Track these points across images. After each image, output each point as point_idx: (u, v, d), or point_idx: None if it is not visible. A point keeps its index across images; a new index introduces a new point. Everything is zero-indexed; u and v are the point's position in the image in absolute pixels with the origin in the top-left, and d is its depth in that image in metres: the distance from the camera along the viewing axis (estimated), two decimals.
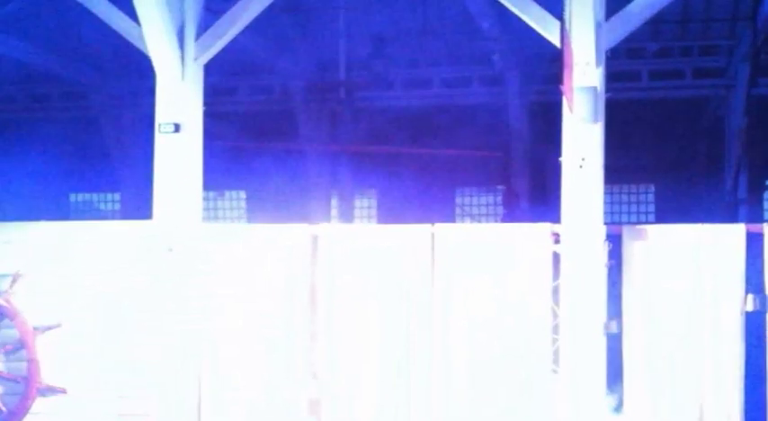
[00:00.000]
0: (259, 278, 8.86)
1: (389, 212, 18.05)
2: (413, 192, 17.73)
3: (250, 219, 18.61)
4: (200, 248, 8.91)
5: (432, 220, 8.91)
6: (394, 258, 8.74)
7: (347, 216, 17.97)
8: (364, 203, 19.37)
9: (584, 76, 8.25)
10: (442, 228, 8.75)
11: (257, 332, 8.84)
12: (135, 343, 8.83)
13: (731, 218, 15.58)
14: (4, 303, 9.09)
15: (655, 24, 15.44)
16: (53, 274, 9.03)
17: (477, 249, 8.65)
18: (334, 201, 18.38)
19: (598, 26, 8.31)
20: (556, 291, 8.50)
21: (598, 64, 8.33)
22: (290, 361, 8.82)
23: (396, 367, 8.68)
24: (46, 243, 9.11)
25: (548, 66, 14.94)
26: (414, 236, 8.74)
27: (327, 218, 17.52)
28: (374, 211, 19.37)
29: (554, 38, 8.41)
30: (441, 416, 8.61)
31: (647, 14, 8.59)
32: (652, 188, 18.51)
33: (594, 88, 8.26)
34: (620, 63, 15.46)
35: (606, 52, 8.45)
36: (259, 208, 18.47)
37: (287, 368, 8.81)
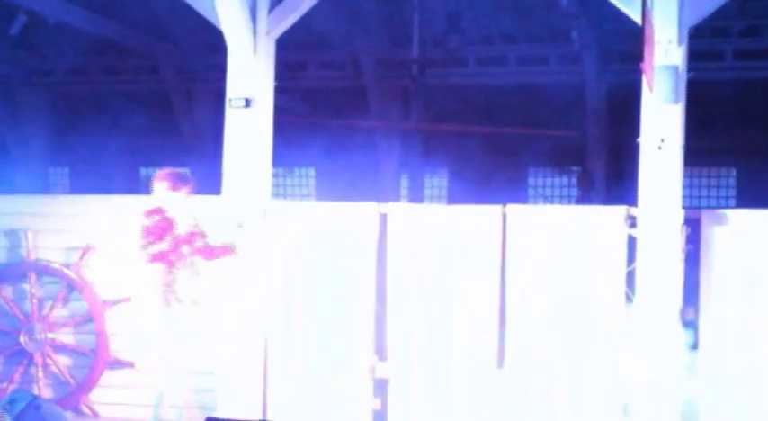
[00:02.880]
0: (326, 256, 8.92)
1: (460, 192, 18.00)
2: (485, 172, 17.66)
3: (319, 197, 18.72)
4: (268, 225, 8.99)
5: (503, 201, 8.87)
6: (463, 239, 8.72)
7: (417, 195, 17.98)
8: (435, 183, 19.34)
9: (666, 55, 8.13)
10: (513, 209, 8.71)
11: (324, 309, 8.91)
12: (204, 317, 8.95)
13: None
14: (74, 276, 9.29)
15: (741, 2, 15.12)
16: (123, 248, 9.19)
17: (549, 231, 8.60)
18: (404, 181, 18.39)
19: (681, 3, 8.16)
20: (630, 275, 8.42)
21: (680, 42, 8.19)
22: (356, 341, 8.87)
23: (468, 347, 8.69)
24: (116, 216, 9.27)
25: (627, 43, 14.71)
26: (484, 216, 8.71)
27: (397, 197, 17.54)
28: (445, 191, 19.34)
29: (635, 14, 8.29)
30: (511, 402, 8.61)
31: None
32: (733, 172, 18.18)
33: (676, 67, 8.13)
34: (703, 42, 15.17)
35: (689, 30, 8.29)
36: (328, 186, 18.56)
37: (352, 349, 8.87)
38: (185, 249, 8.33)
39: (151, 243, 8.29)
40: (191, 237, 8.37)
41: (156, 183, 8.46)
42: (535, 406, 8.53)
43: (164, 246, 8.26)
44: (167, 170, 8.63)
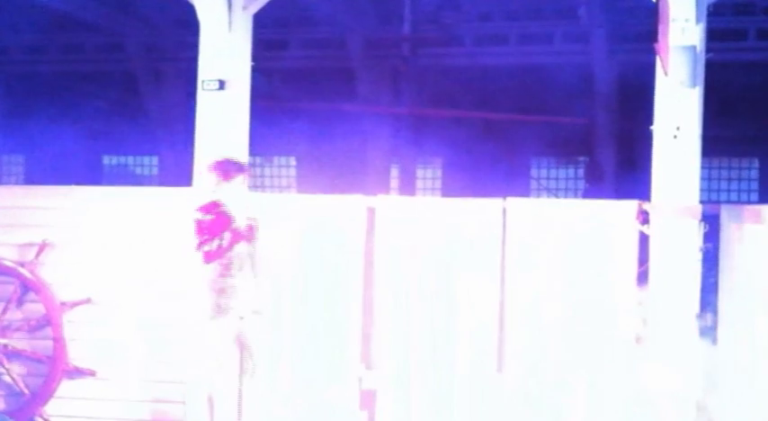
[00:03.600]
0: (308, 253, 8.90)
1: (456, 184, 18.03)
2: (483, 163, 17.69)
3: (300, 189, 18.72)
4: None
5: (503, 194, 8.87)
6: (459, 235, 8.72)
7: (409, 187, 18.00)
8: (428, 174, 19.38)
9: (683, 34, 8.14)
10: (514, 203, 8.71)
11: (304, 313, 8.90)
12: (171, 321, 8.94)
13: None
14: (29, 275, 9.25)
15: None
16: (83, 244, 9.17)
17: (553, 228, 8.60)
18: (394, 171, 18.41)
19: None
20: (642, 276, 8.43)
21: (698, 20, 8.20)
22: (341, 348, 8.86)
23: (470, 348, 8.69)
24: (76, 210, 9.24)
25: (640, 21, 14.73)
26: (483, 211, 8.70)
27: (386, 189, 17.56)
28: (439, 183, 19.38)
29: None
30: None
31: None
32: (756, 163, 18.24)
33: (694, 48, 8.15)
34: (724, 20, 15.22)
35: (708, 7, 8.32)
36: (310, 176, 18.57)
37: (337, 355, 8.86)
38: (243, 247, 8.14)
39: (206, 241, 8.02)
40: (249, 232, 8.20)
41: (209, 174, 8.25)
42: (543, 415, 8.54)
43: (221, 242, 8.05)
44: (220, 158, 8.40)
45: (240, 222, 8.11)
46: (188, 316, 8.88)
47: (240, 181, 8.19)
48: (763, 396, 8.30)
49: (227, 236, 8.05)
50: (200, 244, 8.04)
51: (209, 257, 8.05)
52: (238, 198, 8.20)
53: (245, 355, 8.36)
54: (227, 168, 8.18)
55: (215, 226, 8.03)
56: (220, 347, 8.19)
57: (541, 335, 8.55)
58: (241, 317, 8.18)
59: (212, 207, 8.09)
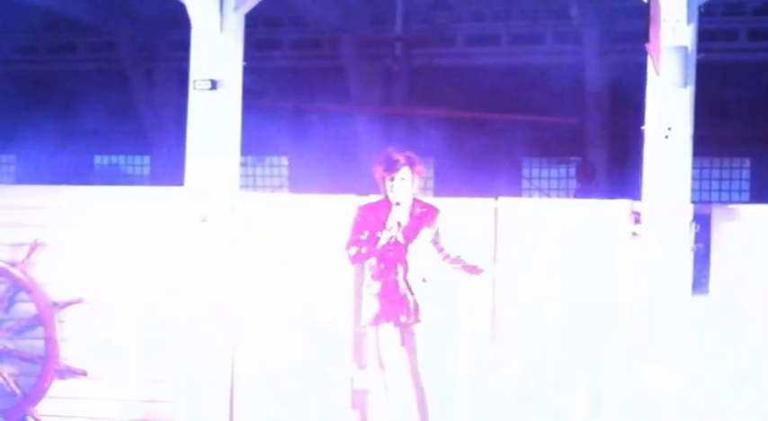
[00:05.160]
0: (300, 254, 8.90)
1: (448, 184, 18.02)
2: (474, 162, 17.68)
3: (292, 189, 18.71)
4: (237, 219, 8.97)
5: (495, 194, 8.88)
6: (450, 235, 8.68)
7: None
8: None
9: (674, 35, 8.15)
10: (506, 203, 8.71)
11: (297, 314, 8.89)
12: (164, 321, 8.93)
13: None
14: (20, 275, 9.23)
15: None
16: (75, 244, 9.15)
17: (545, 227, 8.60)
18: None
19: None
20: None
21: (690, 21, 8.22)
22: (335, 347, 8.85)
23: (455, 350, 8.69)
24: (67, 209, 9.23)
25: (632, 22, 14.77)
26: (474, 210, 8.70)
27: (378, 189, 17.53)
28: (431, 183, 19.36)
29: None
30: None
31: None
32: (747, 163, 18.25)
33: (685, 48, 8.16)
34: (714, 20, 15.24)
35: (699, 7, 8.33)
36: (302, 176, 18.54)
37: (330, 355, 8.85)
38: (398, 248, 7.49)
39: (358, 242, 7.48)
40: (408, 233, 7.55)
41: (375, 169, 7.56)
42: (543, 415, 8.54)
43: (375, 243, 7.44)
44: (385, 150, 7.66)
45: (396, 222, 7.54)
46: (181, 316, 8.88)
47: (406, 174, 7.54)
48: (762, 396, 8.32)
49: (383, 236, 7.47)
50: (350, 244, 7.51)
51: (357, 259, 7.53)
52: (405, 194, 7.61)
53: (400, 364, 7.73)
54: (391, 161, 7.51)
55: (371, 225, 7.46)
56: (379, 356, 7.68)
57: (541, 335, 8.55)
58: (396, 323, 7.66)
59: (372, 206, 7.62)
